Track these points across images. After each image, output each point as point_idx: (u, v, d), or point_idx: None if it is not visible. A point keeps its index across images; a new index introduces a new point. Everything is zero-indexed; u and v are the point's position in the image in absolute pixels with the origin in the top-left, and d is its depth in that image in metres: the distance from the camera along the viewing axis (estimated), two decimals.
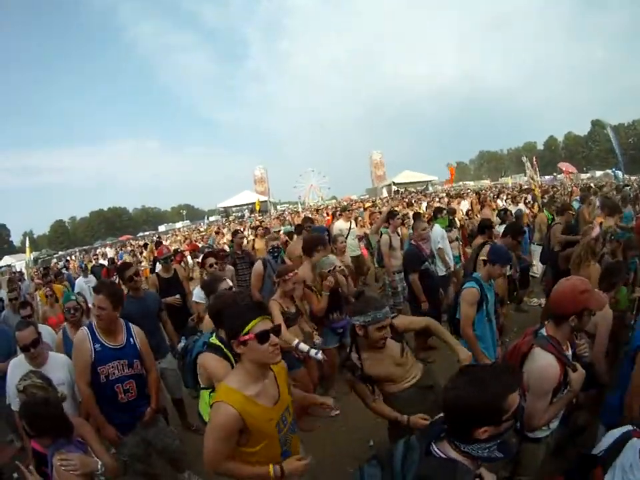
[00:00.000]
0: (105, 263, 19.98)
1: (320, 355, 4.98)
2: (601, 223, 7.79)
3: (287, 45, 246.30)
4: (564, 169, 39.40)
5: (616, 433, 2.60)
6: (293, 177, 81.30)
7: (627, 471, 2.25)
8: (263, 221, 27.00)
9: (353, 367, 3.67)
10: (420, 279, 7.33)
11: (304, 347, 5.08)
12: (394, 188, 63.04)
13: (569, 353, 3.27)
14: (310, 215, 19.80)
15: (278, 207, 68.48)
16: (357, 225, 13.31)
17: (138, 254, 24.04)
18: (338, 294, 6.37)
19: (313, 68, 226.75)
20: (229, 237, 19.38)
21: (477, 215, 15.14)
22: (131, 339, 4.49)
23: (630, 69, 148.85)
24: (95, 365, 4.19)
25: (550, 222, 10.13)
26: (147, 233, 75.24)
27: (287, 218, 29.23)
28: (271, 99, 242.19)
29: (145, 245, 26.97)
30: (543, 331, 3.26)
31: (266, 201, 52.75)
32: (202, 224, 60.72)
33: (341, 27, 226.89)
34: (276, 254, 7.67)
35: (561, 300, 3.17)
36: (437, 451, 2.00)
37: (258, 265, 7.42)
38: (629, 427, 2.59)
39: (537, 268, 10.33)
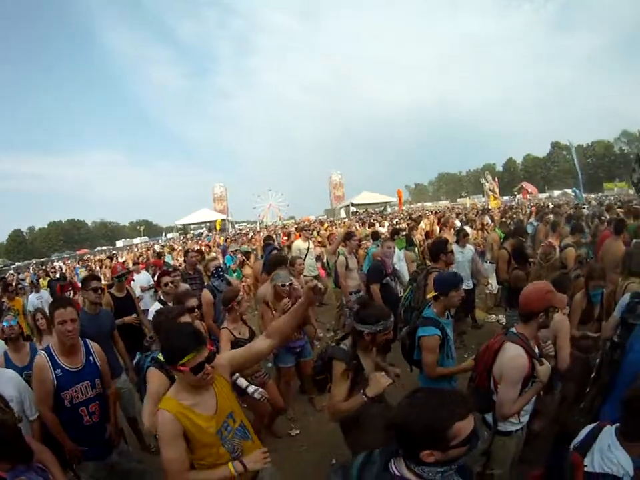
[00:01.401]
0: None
1: (257, 394, 4.65)
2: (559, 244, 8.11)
3: (256, 62, 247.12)
4: (528, 189, 40.07)
5: (588, 427, 2.74)
6: (252, 196, 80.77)
7: (604, 450, 2.40)
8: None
9: (358, 367, 3.88)
10: (380, 291, 7.56)
11: (242, 382, 4.78)
12: (352, 209, 63.34)
13: (537, 350, 3.64)
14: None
15: (236, 225, 68.22)
16: (315, 245, 13.36)
17: (97, 269, 23.35)
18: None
19: (278, 86, 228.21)
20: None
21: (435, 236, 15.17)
22: (91, 357, 4.43)
23: (589, 93, 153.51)
24: (58, 391, 4.11)
25: (502, 241, 10.27)
26: (104, 248, 73.76)
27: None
28: (236, 115, 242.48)
29: (101, 261, 26.49)
30: (513, 329, 3.66)
31: (225, 220, 52.35)
32: (159, 241, 60.13)
33: (311, 46, 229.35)
34: (220, 273, 7.77)
35: (530, 300, 3.57)
36: (394, 469, 2.07)
37: (206, 293, 7.35)
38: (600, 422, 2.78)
39: (493, 285, 10.43)
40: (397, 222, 24.80)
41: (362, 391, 3.65)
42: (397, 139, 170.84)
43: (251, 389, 4.71)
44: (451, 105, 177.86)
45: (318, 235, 19.80)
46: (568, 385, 4.97)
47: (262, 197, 79.13)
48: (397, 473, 2.05)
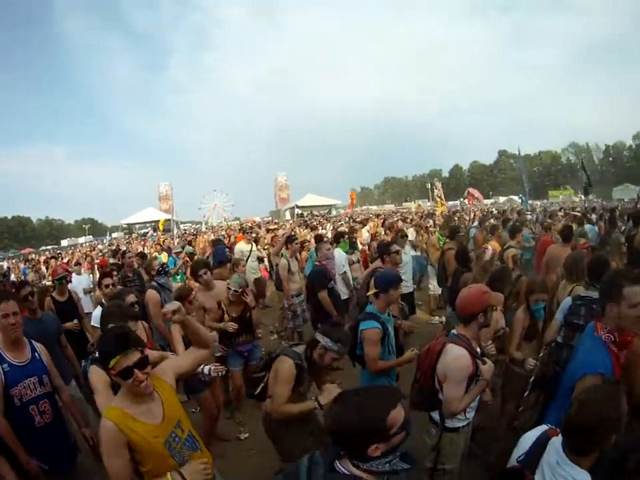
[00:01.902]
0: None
1: (213, 372, 4.79)
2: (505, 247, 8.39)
3: (210, 58, 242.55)
4: (474, 194, 40.66)
5: (531, 435, 2.72)
6: (198, 195, 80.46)
7: (554, 466, 2.40)
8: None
9: (303, 372, 4.06)
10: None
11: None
12: (297, 211, 63.32)
13: (478, 350, 3.82)
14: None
15: (181, 226, 66.65)
16: (257, 247, 13.35)
17: (43, 270, 22.51)
18: (246, 317, 6.41)
19: (230, 83, 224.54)
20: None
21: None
22: (36, 354, 4.26)
23: (539, 104, 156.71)
24: (7, 388, 3.91)
25: (442, 244, 10.83)
26: (49, 247, 70.16)
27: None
28: (185, 111, 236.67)
29: (47, 261, 25.42)
30: (454, 331, 3.78)
31: (170, 220, 51.72)
32: (104, 241, 58.56)
33: (265, 44, 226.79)
34: (166, 270, 7.65)
35: (468, 303, 3.73)
36: (341, 468, 2.11)
37: (151, 293, 7.30)
38: (544, 427, 2.74)
39: (434, 286, 10.83)
40: (340, 225, 24.85)
41: (315, 398, 3.87)
42: (344, 142, 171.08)
43: (206, 368, 4.75)
44: (400, 109, 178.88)
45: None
46: (508, 403, 5.09)
47: (207, 198, 78.55)
48: (346, 472, 2.10)
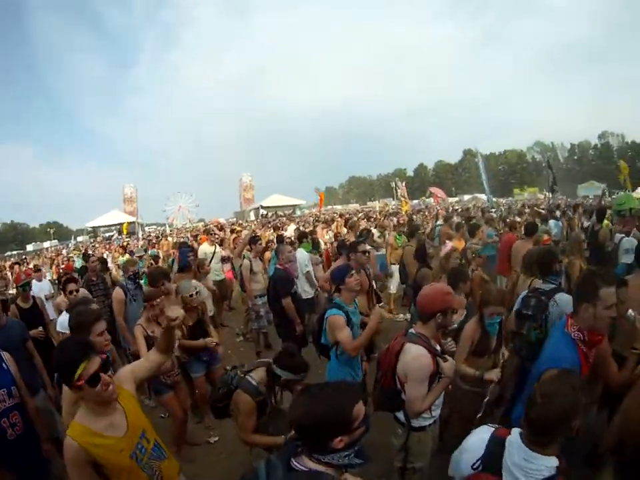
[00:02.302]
0: None
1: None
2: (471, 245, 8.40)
3: (177, 57, 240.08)
4: (437, 193, 41.07)
5: (477, 439, 2.68)
6: (163, 197, 78.40)
7: (522, 465, 2.37)
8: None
9: (265, 403, 4.16)
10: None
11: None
12: (262, 211, 63.25)
13: (438, 348, 3.88)
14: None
15: (146, 228, 65.54)
16: (221, 248, 13.24)
17: (8, 275, 22.22)
18: (203, 322, 6.36)
19: (196, 83, 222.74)
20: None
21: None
22: (3, 364, 4.18)
23: (505, 105, 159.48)
24: None
25: (400, 244, 11.02)
26: (14, 252, 69.31)
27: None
28: (151, 111, 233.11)
29: (12, 266, 25.20)
30: (412, 330, 3.81)
31: (134, 223, 51.12)
32: (69, 245, 57.09)
33: (233, 43, 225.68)
34: (135, 280, 7.61)
35: (428, 301, 3.75)
36: (299, 465, 2.15)
37: (118, 291, 7.29)
38: (489, 429, 2.69)
39: (394, 285, 10.94)
40: (304, 225, 24.88)
41: (285, 437, 3.80)
42: (310, 141, 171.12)
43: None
44: (367, 109, 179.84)
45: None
46: (459, 421, 5.00)
47: (172, 199, 77.16)
48: (304, 468, 2.14)
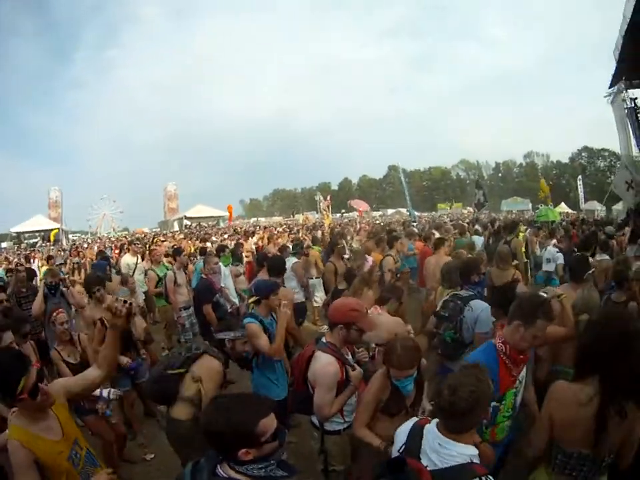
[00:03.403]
0: None
1: (112, 394, 4.90)
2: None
3: (116, 55, 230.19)
4: (355, 205, 41.62)
5: (404, 429, 2.85)
6: (88, 204, 75.48)
7: (438, 450, 2.52)
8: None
9: None
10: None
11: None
12: (185, 222, 62.56)
13: (349, 357, 4.12)
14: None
15: (70, 236, 63.37)
16: (143, 260, 13.44)
17: None
18: (128, 334, 6.21)
19: (130, 84, 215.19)
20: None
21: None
22: None
23: (432, 123, 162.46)
24: None
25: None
26: None
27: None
28: (82, 110, 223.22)
29: None
30: (323, 339, 4.03)
31: (59, 229, 49.70)
32: None
33: (170, 47, 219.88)
34: (54, 291, 7.50)
35: (334, 311, 4.00)
36: (221, 472, 2.26)
37: (37, 303, 7.28)
38: (414, 419, 2.92)
39: (320, 297, 10.95)
40: (226, 237, 24.85)
41: None
42: (236, 152, 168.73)
43: (105, 392, 4.86)
44: (296, 122, 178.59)
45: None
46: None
47: (95, 207, 74.26)
48: (225, 475, 2.25)
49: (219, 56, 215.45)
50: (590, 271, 5.74)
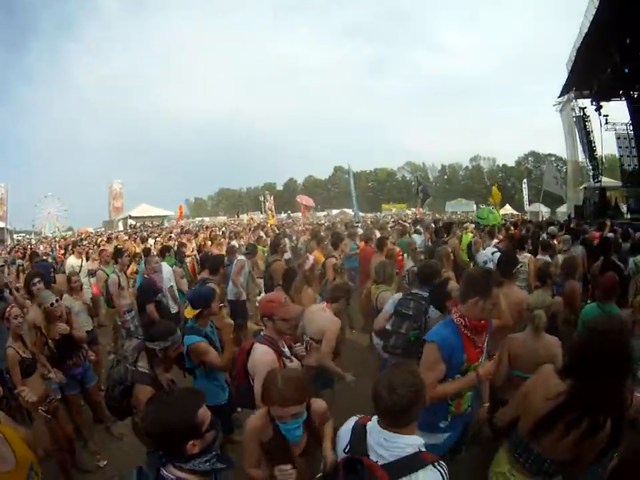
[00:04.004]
0: None
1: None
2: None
3: (70, 48, 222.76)
4: (303, 201, 41.77)
5: (346, 429, 2.88)
6: (34, 202, 73.58)
7: (383, 444, 2.57)
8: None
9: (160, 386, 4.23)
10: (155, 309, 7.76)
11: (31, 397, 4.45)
12: (130, 222, 61.51)
13: (286, 349, 4.35)
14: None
15: (15, 236, 60.21)
16: (88, 260, 13.26)
17: None
18: (72, 337, 6.09)
19: (80, 78, 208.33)
20: None
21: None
22: None
23: (381, 127, 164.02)
24: None
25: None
26: None
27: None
28: (33, 104, 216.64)
29: None
30: (262, 332, 4.33)
31: (3, 229, 48.24)
32: None
33: (126, 43, 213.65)
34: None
35: (259, 306, 4.52)
36: (167, 474, 2.37)
37: None
38: (354, 418, 2.92)
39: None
40: (171, 237, 24.68)
41: None
42: (182, 151, 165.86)
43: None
44: (244, 122, 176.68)
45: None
46: None
47: (40, 206, 71.43)
48: (171, 476, 2.37)
49: (171, 54, 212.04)
50: (518, 266, 6.21)
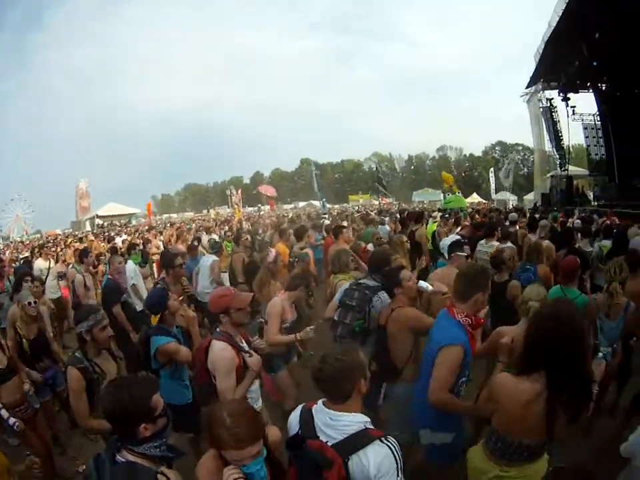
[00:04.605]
0: None
1: (15, 427, 4.66)
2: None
3: (36, 40, 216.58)
4: (263, 191, 41.93)
5: (295, 415, 2.97)
6: (1, 204, 72.96)
7: (329, 424, 2.69)
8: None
9: (92, 374, 4.25)
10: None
11: (4, 413, 4.71)
12: (98, 221, 60.89)
13: (244, 344, 4.36)
14: None
15: None
16: (57, 263, 12.79)
17: None
18: (44, 338, 6.19)
19: (47, 73, 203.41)
20: None
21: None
22: None
23: (347, 117, 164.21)
24: None
25: (229, 251, 11.48)
26: None
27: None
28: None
29: None
30: (218, 329, 4.34)
31: None
32: None
33: (93, 35, 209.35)
34: None
35: (210, 304, 4.50)
36: (120, 459, 2.56)
37: None
38: (301, 405, 3.02)
39: None
40: (138, 235, 24.56)
41: None
42: (149, 147, 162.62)
43: (11, 420, 4.66)
44: (211, 115, 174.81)
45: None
46: None
47: (7, 210, 71.13)
48: (123, 460, 2.55)
49: (137, 46, 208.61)
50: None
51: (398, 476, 2.53)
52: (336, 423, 2.65)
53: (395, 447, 2.57)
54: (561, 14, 21.12)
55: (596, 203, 27.48)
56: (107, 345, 4.59)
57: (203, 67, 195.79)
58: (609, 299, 5.38)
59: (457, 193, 32.07)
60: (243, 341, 4.38)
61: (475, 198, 56.70)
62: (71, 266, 11.35)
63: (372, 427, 2.69)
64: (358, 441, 2.57)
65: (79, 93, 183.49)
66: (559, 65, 26.29)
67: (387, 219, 16.88)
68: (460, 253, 6.47)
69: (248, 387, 4.13)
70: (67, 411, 6.34)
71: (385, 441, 2.56)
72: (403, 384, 4.64)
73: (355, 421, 2.66)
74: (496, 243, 8.78)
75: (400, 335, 4.62)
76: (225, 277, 10.78)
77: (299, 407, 2.98)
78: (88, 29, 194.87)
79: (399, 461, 2.55)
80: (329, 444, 2.59)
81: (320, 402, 2.81)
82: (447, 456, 3.98)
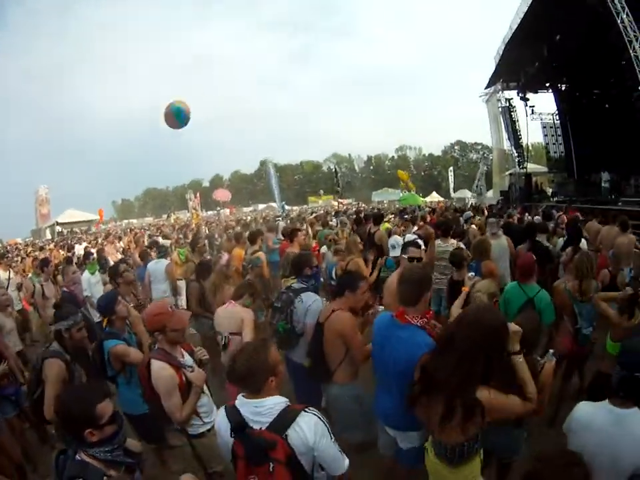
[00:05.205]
0: None
1: None
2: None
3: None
4: (218, 197, 41.80)
5: (220, 415, 3.05)
6: None
7: (257, 411, 2.82)
8: None
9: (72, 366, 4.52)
10: None
11: None
12: (58, 229, 60.08)
13: (185, 359, 4.24)
14: None
15: None
16: (17, 274, 12.67)
17: None
18: (2, 353, 5.90)
19: (7, 71, 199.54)
20: None
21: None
22: None
23: (305, 118, 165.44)
24: None
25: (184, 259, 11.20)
26: None
27: None
28: None
29: None
30: (156, 346, 4.23)
31: None
32: None
33: (52, 33, 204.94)
34: None
35: (145, 321, 4.58)
36: (77, 457, 2.67)
37: None
38: (222, 407, 3.10)
39: (181, 301, 10.34)
40: (97, 243, 24.32)
41: None
42: (108, 150, 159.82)
43: None
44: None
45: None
46: None
47: None
48: (78, 458, 2.66)
49: (94, 46, 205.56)
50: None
51: (331, 438, 2.85)
52: (261, 408, 2.81)
53: (318, 414, 2.86)
54: (522, 16, 21.76)
55: (555, 199, 28.12)
56: (83, 344, 4.84)
57: (160, 67, 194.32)
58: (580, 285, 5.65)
59: (412, 191, 32.72)
60: (185, 354, 4.29)
61: (434, 197, 57.25)
62: (28, 276, 11.24)
63: (291, 404, 2.90)
64: (287, 417, 2.78)
65: (36, 96, 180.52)
66: (519, 65, 26.96)
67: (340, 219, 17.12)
68: (413, 248, 6.49)
69: (194, 403, 4.06)
70: (35, 426, 6.25)
71: (310, 411, 2.84)
72: (337, 385, 4.67)
73: (276, 402, 2.84)
74: (454, 241, 8.91)
75: (332, 338, 4.64)
76: (182, 284, 10.59)
77: (222, 409, 3.07)
78: (45, 27, 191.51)
79: (327, 424, 2.86)
80: (263, 428, 2.76)
81: (239, 397, 2.94)
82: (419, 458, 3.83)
